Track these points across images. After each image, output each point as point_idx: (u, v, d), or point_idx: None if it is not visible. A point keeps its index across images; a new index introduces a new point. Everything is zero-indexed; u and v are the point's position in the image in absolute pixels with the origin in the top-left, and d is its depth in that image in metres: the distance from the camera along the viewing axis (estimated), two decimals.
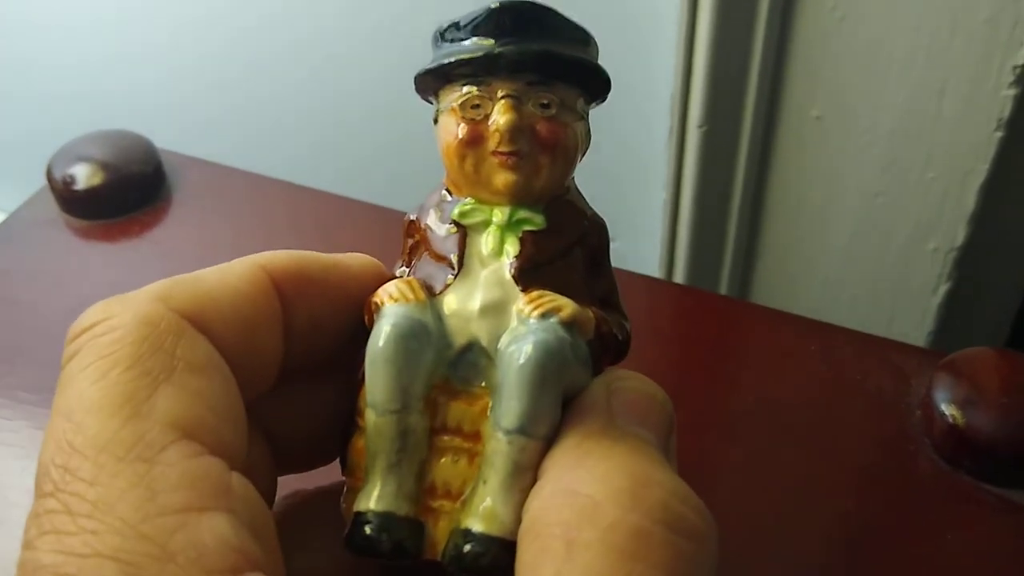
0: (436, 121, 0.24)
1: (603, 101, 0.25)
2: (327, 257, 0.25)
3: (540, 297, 0.22)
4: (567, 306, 0.22)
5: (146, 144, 0.53)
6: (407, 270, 0.25)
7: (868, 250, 0.61)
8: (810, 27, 0.54)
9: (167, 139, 0.55)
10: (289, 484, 0.27)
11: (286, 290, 0.24)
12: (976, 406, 0.38)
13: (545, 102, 0.23)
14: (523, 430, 0.21)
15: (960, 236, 0.57)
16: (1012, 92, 0.51)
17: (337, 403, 0.25)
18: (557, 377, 0.21)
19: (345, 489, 0.24)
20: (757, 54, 0.55)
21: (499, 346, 0.22)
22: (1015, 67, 0.50)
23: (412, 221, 0.25)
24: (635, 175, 0.65)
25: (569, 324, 0.22)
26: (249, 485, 0.20)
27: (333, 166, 0.74)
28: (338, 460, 0.25)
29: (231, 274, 0.23)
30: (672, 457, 0.23)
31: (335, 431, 0.25)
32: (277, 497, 0.26)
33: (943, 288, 0.60)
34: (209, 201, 0.52)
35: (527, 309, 0.22)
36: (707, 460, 0.40)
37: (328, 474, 0.26)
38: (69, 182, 0.51)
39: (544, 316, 0.22)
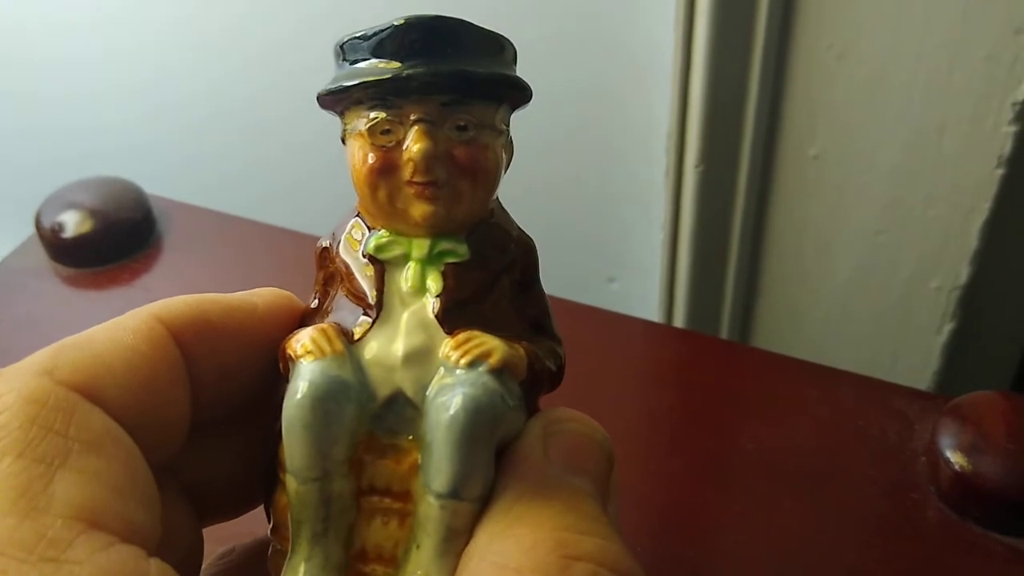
0: (344, 141, 0.23)
1: (526, 105, 0.23)
2: (230, 298, 0.24)
3: (467, 341, 0.21)
4: (496, 350, 0.21)
5: (136, 190, 0.52)
6: (319, 302, 0.24)
7: (870, 289, 0.60)
8: (807, 65, 0.53)
9: (158, 185, 0.55)
10: (226, 536, 0.25)
11: (186, 340, 0.22)
12: (982, 452, 0.37)
13: (462, 124, 0.21)
14: (455, 494, 0.20)
15: (963, 275, 0.56)
16: (1012, 129, 0.50)
17: (256, 448, 0.24)
18: (489, 434, 0.20)
19: (271, 548, 0.23)
20: (753, 93, 0.54)
21: (427, 395, 0.21)
22: (1015, 104, 0.50)
23: (325, 249, 0.23)
24: (633, 216, 0.64)
25: (499, 371, 0.21)
26: (169, 570, 0.18)
27: (326, 211, 0.73)
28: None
29: (124, 330, 0.21)
30: (613, 496, 0.22)
31: (257, 476, 0.24)
32: (214, 557, 0.25)
33: (947, 327, 0.59)
34: (200, 247, 0.52)
35: (453, 356, 0.21)
36: (707, 510, 0.39)
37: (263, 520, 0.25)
38: (58, 230, 0.50)
39: (472, 364, 0.21)
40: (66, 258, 0.51)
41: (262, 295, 0.24)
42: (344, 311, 0.23)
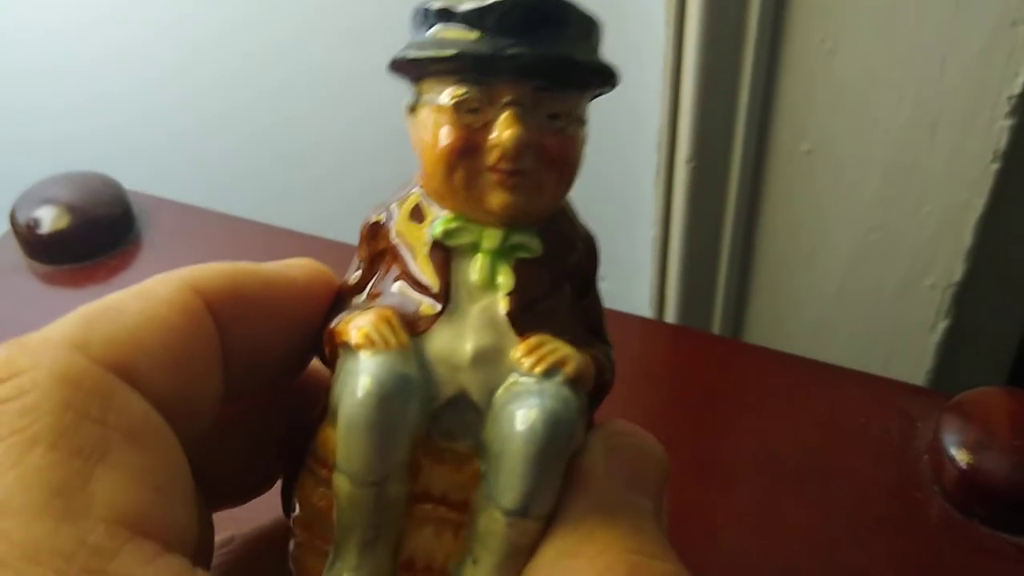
0: (413, 110, 0.21)
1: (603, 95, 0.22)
2: (266, 269, 0.22)
3: (540, 346, 0.19)
4: (571, 359, 0.19)
5: (114, 185, 0.51)
6: (361, 281, 0.22)
7: (863, 287, 0.59)
8: (799, 60, 0.53)
9: (137, 180, 0.53)
10: (220, 524, 0.24)
11: (222, 314, 0.20)
12: (988, 450, 0.36)
13: (555, 112, 0.20)
14: (524, 511, 0.19)
15: (958, 272, 0.55)
16: (1008, 123, 0.50)
17: (271, 430, 0.22)
18: (565, 450, 0.19)
19: (296, 542, 0.21)
20: (745, 87, 0.54)
21: (494, 402, 0.19)
22: (1010, 97, 0.49)
23: (376, 223, 0.21)
24: (623, 212, 0.63)
25: (573, 381, 0.19)
26: None
27: (308, 206, 0.72)
28: (277, 488, 0.23)
29: (157, 300, 0.19)
30: (665, 513, 0.21)
31: (270, 461, 0.22)
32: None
33: (941, 325, 0.58)
34: (180, 243, 0.51)
35: (527, 362, 0.19)
36: (704, 510, 0.38)
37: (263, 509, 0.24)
38: (33, 226, 0.49)
39: (547, 372, 0.19)
40: (42, 255, 0.49)
41: (300, 267, 0.22)
42: (398, 296, 0.21)
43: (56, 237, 0.49)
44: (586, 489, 0.19)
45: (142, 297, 0.19)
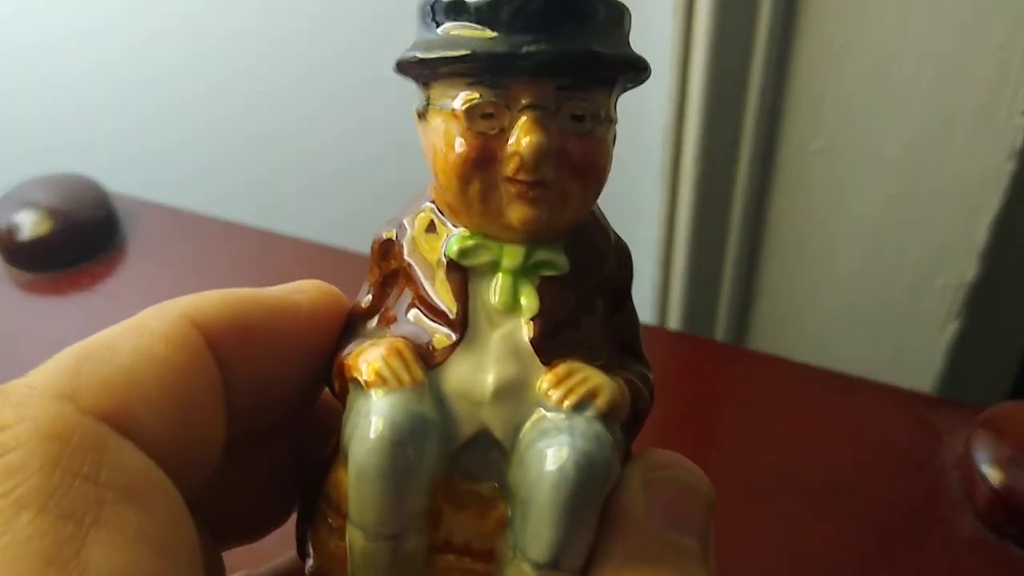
0: (422, 116, 0.19)
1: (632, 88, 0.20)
2: (271, 297, 0.20)
3: (569, 376, 0.18)
4: (603, 389, 0.18)
5: (97, 188, 0.50)
6: (372, 303, 0.20)
7: (872, 288, 0.58)
8: (810, 55, 0.51)
9: (121, 182, 0.52)
10: (233, 563, 0.23)
11: (224, 350, 0.18)
12: (1022, 466, 0.35)
13: (579, 113, 0.18)
14: (556, 564, 0.17)
15: (970, 272, 0.54)
16: None
17: (282, 464, 0.21)
18: (600, 495, 0.17)
19: None
20: (755, 84, 0.52)
21: (520, 440, 0.18)
22: None
23: (388, 240, 0.20)
24: (625, 212, 0.62)
25: (607, 414, 0.17)
26: None
27: (302, 211, 0.70)
28: (293, 521, 0.21)
29: (153, 338, 0.17)
30: (712, 552, 0.19)
31: (282, 497, 0.21)
32: None
33: (951, 327, 0.57)
34: (167, 249, 0.50)
35: (555, 395, 0.18)
36: (724, 527, 0.37)
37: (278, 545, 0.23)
38: (13, 231, 0.48)
39: (577, 406, 0.17)
40: (22, 262, 0.49)
41: (306, 292, 0.20)
42: (412, 324, 0.19)
43: (37, 243, 0.48)
44: (624, 532, 0.18)
45: (136, 332, 0.17)
